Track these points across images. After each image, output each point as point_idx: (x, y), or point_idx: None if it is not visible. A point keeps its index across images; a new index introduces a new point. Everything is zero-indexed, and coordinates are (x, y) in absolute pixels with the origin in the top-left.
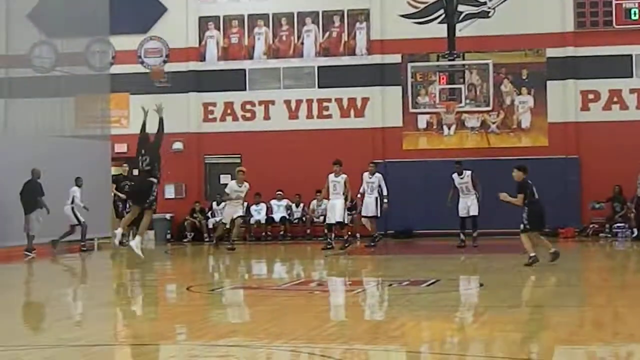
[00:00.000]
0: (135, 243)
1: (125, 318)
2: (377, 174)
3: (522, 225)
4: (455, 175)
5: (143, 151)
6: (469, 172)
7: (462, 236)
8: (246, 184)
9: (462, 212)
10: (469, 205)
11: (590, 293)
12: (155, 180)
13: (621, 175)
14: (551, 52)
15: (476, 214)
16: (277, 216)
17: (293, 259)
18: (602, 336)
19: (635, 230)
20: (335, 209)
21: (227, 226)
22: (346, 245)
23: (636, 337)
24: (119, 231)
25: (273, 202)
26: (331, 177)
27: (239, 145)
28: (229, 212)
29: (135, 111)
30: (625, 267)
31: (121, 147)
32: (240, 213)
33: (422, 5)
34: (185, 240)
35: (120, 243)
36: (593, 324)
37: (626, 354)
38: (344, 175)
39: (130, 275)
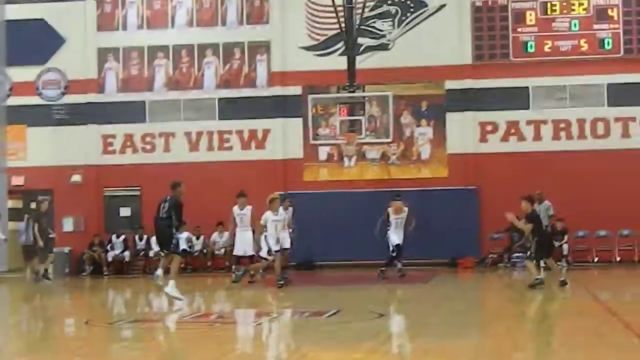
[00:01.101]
0: (170, 289)
1: (21, 352)
2: (290, 208)
3: (528, 252)
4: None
5: (167, 197)
6: (406, 209)
7: (398, 265)
8: (281, 210)
9: (399, 240)
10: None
11: (489, 322)
12: (172, 225)
13: (519, 205)
14: (450, 84)
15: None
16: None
17: (194, 291)
18: None
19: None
20: (245, 241)
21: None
22: (252, 278)
23: None
24: (171, 285)
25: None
26: (236, 209)
27: (139, 177)
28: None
29: (32, 143)
30: (524, 296)
31: (18, 180)
32: (287, 244)
33: (323, 38)
34: (84, 273)
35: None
36: (492, 354)
37: None
38: (250, 207)
39: (27, 309)
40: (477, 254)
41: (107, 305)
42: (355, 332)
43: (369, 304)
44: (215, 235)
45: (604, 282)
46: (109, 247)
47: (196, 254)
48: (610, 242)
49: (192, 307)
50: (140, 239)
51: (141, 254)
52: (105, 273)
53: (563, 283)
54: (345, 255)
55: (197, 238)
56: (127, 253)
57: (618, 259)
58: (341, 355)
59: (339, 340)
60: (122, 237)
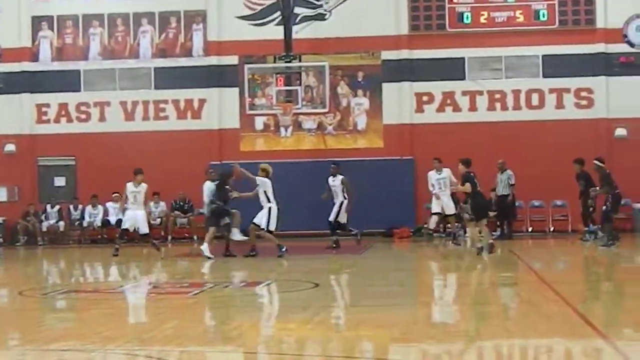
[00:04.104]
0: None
1: None
2: (338, 176)
3: (467, 216)
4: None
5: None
6: (341, 177)
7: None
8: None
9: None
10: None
11: (423, 292)
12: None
13: (453, 175)
14: (386, 55)
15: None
16: (113, 219)
17: (129, 261)
18: (434, 334)
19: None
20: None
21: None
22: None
23: (469, 335)
24: None
25: (109, 204)
26: (130, 187)
27: (73, 147)
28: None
29: None
30: (458, 266)
31: None
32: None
33: (259, 7)
34: (18, 244)
35: None
36: (426, 322)
37: (458, 351)
38: (145, 185)
39: None
40: (413, 224)
41: (41, 275)
42: (289, 302)
43: (303, 275)
44: (150, 205)
45: (538, 252)
46: (43, 217)
47: None
48: (544, 213)
49: (128, 277)
50: (75, 209)
51: (76, 224)
52: (40, 243)
53: (480, 250)
54: (282, 226)
55: None
56: (61, 223)
57: (552, 229)
58: (276, 325)
59: (274, 310)
60: (57, 207)
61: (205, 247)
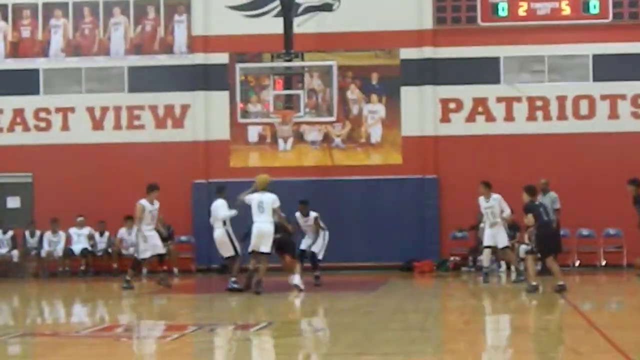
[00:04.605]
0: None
1: None
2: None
3: (528, 247)
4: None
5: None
6: (314, 215)
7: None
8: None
9: (303, 245)
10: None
11: (448, 338)
12: None
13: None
14: (406, 53)
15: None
16: (77, 248)
17: (96, 299)
18: None
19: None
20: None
21: None
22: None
23: None
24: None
25: (72, 230)
26: (147, 205)
27: (30, 161)
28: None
29: None
30: (491, 307)
31: None
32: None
33: None
34: None
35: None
36: None
37: None
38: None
39: None
40: (436, 255)
41: None
42: (288, 349)
43: (305, 316)
44: (122, 232)
45: (587, 291)
46: None
47: (99, 253)
48: (594, 243)
49: (94, 318)
50: (32, 236)
51: (33, 254)
52: None
53: (561, 288)
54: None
55: (101, 235)
56: (15, 252)
57: (603, 262)
58: None
59: (269, 358)
60: (10, 233)
61: (297, 278)
